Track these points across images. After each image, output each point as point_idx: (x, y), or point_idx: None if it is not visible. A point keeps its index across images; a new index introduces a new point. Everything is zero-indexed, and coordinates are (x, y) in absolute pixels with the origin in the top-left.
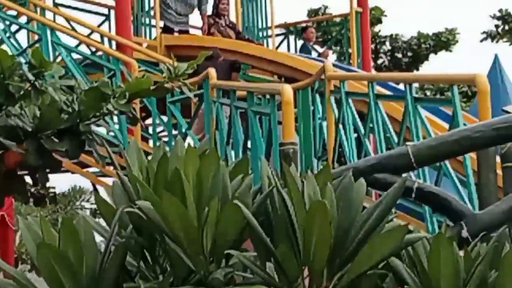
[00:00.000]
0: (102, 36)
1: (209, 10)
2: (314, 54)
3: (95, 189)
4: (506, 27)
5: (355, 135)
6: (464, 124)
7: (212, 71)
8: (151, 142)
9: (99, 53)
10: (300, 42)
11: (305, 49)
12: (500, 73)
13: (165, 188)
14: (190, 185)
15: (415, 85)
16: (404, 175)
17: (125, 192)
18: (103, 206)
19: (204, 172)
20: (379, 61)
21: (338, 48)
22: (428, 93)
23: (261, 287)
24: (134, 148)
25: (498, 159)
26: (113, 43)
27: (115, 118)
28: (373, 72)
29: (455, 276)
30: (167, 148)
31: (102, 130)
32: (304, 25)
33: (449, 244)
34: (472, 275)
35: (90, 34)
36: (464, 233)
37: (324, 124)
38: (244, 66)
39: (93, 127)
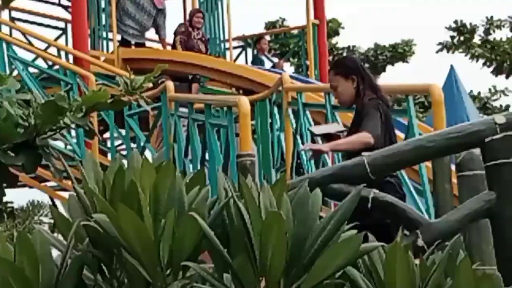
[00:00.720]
0: (59, 50)
1: (184, 20)
2: (268, 65)
3: (53, 203)
4: (462, 38)
5: None
6: (420, 134)
7: (169, 84)
8: (110, 156)
9: (56, 67)
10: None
11: (257, 60)
12: (455, 83)
13: (122, 201)
14: (147, 197)
15: None
16: None
17: (81, 205)
18: (59, 220)
19: (160, 184)
20: None
21: (296, 60)
22: None
23: None
24: (90, 161)
25: (453, 167)
26: (70, 56)
27: (73, 132)
28: None
29: (411, 284)
30: (125, 161)
31: (60, 144)
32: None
33: (404, 252)
34: (428, 283)
35: (47, 48)
36: (420, 242)
37: (282, 135)
38: (203, 79)
39: (50, 141)
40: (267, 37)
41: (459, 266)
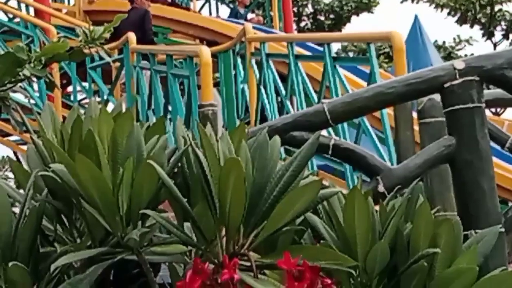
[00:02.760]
0: (19, 3)
1: None
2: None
3: (17, 157)
4: None
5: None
6: None
7: (131, 35)
8: None
9: (17, 19)
10: (222, 7)
11: (234, 13)
12: (420, 33)
13: (79, 150)
14: (105, 146)
15: (336, 46)
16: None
17: (40, 156)
18: (18, 171)
19: (118, 133)
20: (302, 24)
21: (260, 11)
22: (351, 54)
23: (178, 246)
24: (48, 112)
25: (415, 115)
26: (31, 9)
27: (36, 86)
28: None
29: (370, 229)
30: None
31: (22, 98)
32: None
33: (363, 198)
34: (387, 227)
35: (7, 0)
36: (381, 188)
37: (246, 86)
38: (165, 30)
39: (12, 95)
40: None
41: (418, 211)
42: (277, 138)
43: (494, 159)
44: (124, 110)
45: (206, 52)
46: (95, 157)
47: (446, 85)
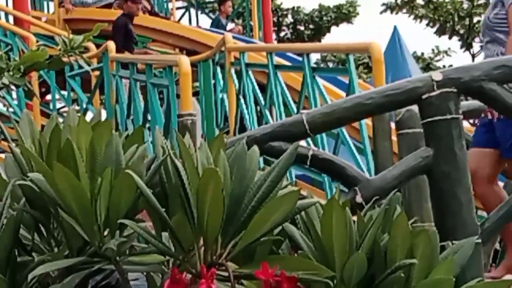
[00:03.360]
0: None
1: None
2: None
3: None
4: None
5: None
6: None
7: (111, 44)
8: None
9: None
10: (202, 16)
11: (216, 23)
12: (399, 44)
13: (58, 160)
14: (83, 155)
15: (316, 56)
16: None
17: (18, 165)
18: None
19: (96, 142)
20: (282, 34)
21: (240, 21)
22: (330, 64)
23: (156, 256)
24: (26, 120)
25: (393, 125)
26: (11, 17)
27: (14, 94)
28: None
29: (348, 240)
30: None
31: (0, 106)
32: None
33: (341, 209)
34: (364, 238)
35: None
36: (358, 199)
37: (226, 96)
38: (145, 39)
39: None
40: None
41: (395, 221)
42: (255, 148)
43: None
44: (102, 119)
45: (185, 62)
46: (73, 166)
47: (424, 97)
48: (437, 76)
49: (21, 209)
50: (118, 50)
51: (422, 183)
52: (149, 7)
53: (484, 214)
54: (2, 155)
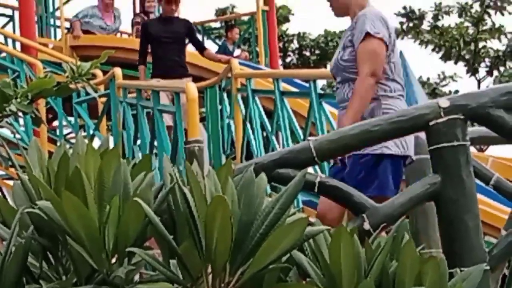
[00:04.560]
0: (6, 38)
1: (137, 9)
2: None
3: (1, 192)
4: (411, 24)
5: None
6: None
7: (118, 71)
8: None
9: (3, 54)
10: (208, 42)
11: (223, 49)
12: (405, 69)
13: (66, 188)
14: (91, 183)
15: (322, 81)
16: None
17: (26, 193)
18: (3, 208)
19: (105, 170)
20: (288, 60)
21: (246, 47)
22: None
23: (165, 285)
24: (34, 148)
25: None
26: (18, 44)
27: (22, 121)
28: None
29: (356, 267)
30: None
31: (7, 132)
32: (229, 23)
33: (349, 236)
34: (373, 265)
35: None
36: (366, 226)
37: (232, 122)
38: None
39: None
40: (218, 24)
41: (403, 249)
42: (263, 176)
43: (479, 195)
44: (110, 146)
45: (192, 88)
46: (81, 194)
47: (431, 123)
48: (444, 103)
49: (30, 236)
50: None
51: (429, 209)
52: None
53: (493, 240)
54: (10, 182)
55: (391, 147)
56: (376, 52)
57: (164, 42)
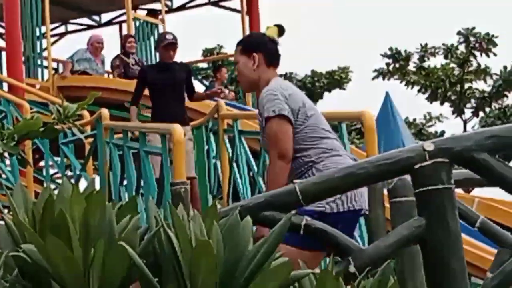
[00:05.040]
0: None
1: (118, 50)
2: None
3: None
4: (397, 65)
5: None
6: (354, 160)
7: (104, 112)
8: (45, 184)
9: None
10: (195, 82)
11: (211, 88)
12: (391, 109)
13: (51, 231)
14: (76, 227)
15: None
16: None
17: (11, 235)
18: None
19: (90, 213)
20: None
21: (233, 87)
22: None
23: None
24: (19, 191)
25: (386, 192)
26: (5, 84)
27: (8, 161)
28: None
29: None
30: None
31: None
32: (215, 64)
33: (335, 279)
34: None
35: None
36: (352, 268)
37: (219, 162)
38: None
39: None
40: (204, 64)
41: None
42: (248, 219)
43: (464, 236)
44: (96, 188)
45: (178, 130)
46: (66, 238)
47: (416, 166)
48: (428, 146)
49: (14, 280)
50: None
51: (415, 251)
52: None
53: (478, 281)
54: None
55: (332, 204)
56: (278, 134)
57: (164, 90)
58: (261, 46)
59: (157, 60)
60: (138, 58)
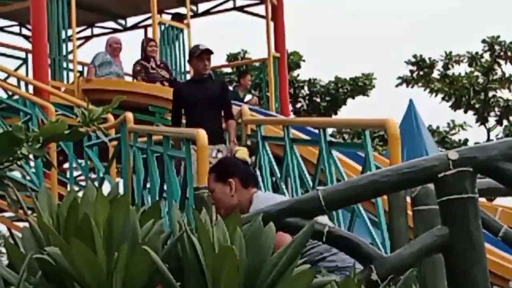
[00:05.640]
0: (19, 80)
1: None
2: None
3: (11, 234)
4: (421, 73)
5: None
6: (377, 167)
7: (129, 115)
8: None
9: (16, 97)
10: None
11: (236, 97)
12: (414, 117)
13: (75, 234)
14: (100, 231)
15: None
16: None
17: (35, 238)
18: (12, 252)
19: (114, 218)
20: (298, 105)
21: (257, 92)
22: (346, 136)
23: None
24: (45, 194)
25: (409, 200)
26: (31, 87)
27: (32, 163)
28: (292, 116)
29: None
30: (81, 193)
31: (18, 174)
32: (238, 70)
33: (357, 287)
34: None
35: (7, 78)
36: (374, 276)
37: None
38: (162, 110)
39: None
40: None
41: None
42: (271, 225)
43: (487, 245)
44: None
45: (202, 135)
46: (90, 241)
47: (440, 175)
48: (453, 155)
49: (38, 282)
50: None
51: (437, 261)
52: (168, 75)
53: None
54: (19, 224)
55: None
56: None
57: (199, 107)
58: (235, 171)
59: (181, 64)
60: (160, 59)
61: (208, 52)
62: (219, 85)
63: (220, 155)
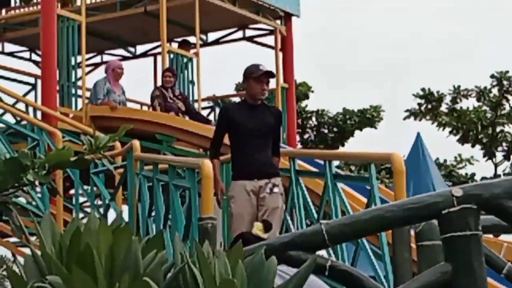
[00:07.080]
0: (27, 106)
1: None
2: None
3: (15, 260)
4: (429, 106)
5: None
6: (382, 200)
7: (136, 143)
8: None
9: (24, 122)
10: None
11: None
12: (422, 150)
13: (77, 264)
14: (102, 260)
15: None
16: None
17: (37, 266)
18: (14, 280)
19: (116, 247)
20: (305, 136)
21: None
22: (352, 167)
23: None
24: (48, 222)
25: (413, 233)
26: (39, 112)
27: (38, 188)
28: (299, 146)
29: None
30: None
31: (23, 199)
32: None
33: None
34: None
35: (16, 103)
36: None
37: None
38: (170, 138)
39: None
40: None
41: None
42: (273, 259)
43: (493, 281)
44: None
45: (207, 165)
46: (91, 271)
47: (443, 212)
48: (457, 192)
49: None
50: None
51: None
52: (184, 107)
53: None
54: (23, 249)
55: None
56: None
57: (251, 136)
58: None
59: (190, 93)
60: (179, 90)
61: (269, 75)
62: (275, 114)
63: (276, 190)
